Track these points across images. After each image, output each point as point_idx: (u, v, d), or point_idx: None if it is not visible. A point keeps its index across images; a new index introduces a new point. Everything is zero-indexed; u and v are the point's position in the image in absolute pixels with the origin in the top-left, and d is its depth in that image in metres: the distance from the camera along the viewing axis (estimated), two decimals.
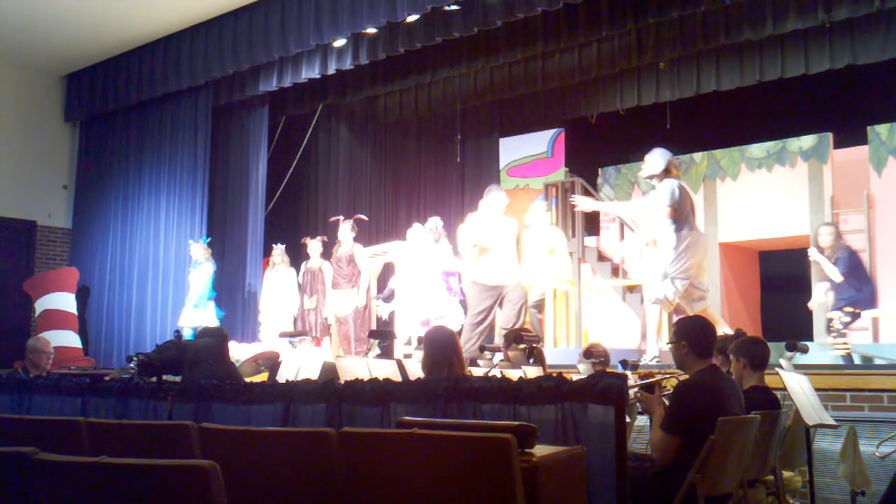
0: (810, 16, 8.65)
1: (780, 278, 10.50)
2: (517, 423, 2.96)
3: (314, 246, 10.34)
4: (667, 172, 7.65)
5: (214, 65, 10.58)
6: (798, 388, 4.76)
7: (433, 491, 2.84)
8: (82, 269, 11.95)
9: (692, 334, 4.18)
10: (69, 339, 11.10)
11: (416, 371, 5.12)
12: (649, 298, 7.67)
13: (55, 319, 11.19)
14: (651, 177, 7.78)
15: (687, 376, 4.19)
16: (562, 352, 8.95)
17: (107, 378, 5.51)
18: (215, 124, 11.57)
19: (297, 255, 10.75)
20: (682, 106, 11.02)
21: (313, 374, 5.39)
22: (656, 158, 7.70)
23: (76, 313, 11.54)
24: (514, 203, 13.27)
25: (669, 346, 4.39)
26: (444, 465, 2.82)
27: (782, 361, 5.44)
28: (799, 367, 5.67)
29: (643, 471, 3.98)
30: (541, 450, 2.92)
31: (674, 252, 7.46)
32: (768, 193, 10.80)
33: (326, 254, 10.39)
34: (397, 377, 4.88)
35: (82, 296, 11.83)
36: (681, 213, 7.49)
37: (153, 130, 11.90)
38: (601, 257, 10.72)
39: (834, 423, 4.82)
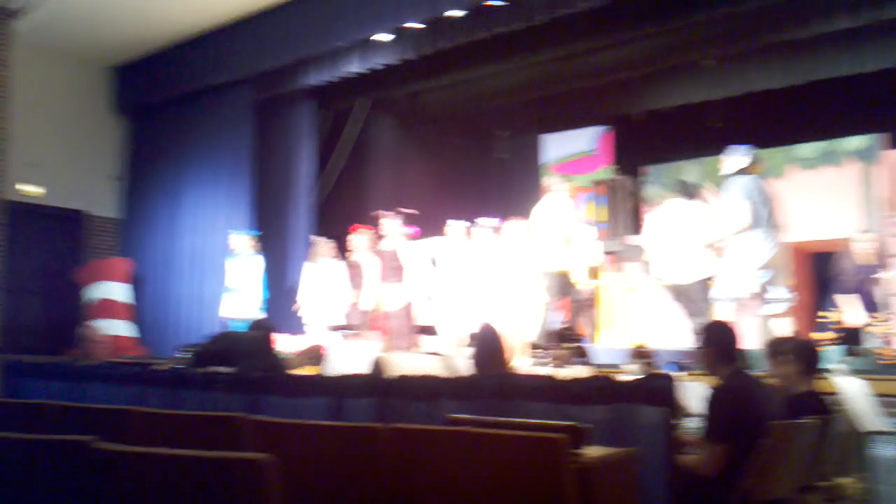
0: (862, 13, 8.46)
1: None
2: (569, 423, 2.95)
3: (358, 239, 10.35)
4: (746, 168, 7.43)
5: (259, 58, 10.65)
6: (853, 392, 4.68)
7: (482, 490, 2.84)
8: (132, 259, 12.10)
9: (716, 340, 4.20)
10: (121, 328, 11.24)
11: (463, 367, 5.12)
12: (721, 296, 7.50)
13: (107, 308, 11.33)
14: (728, 175, 7.56)
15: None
16: (606, 351, 8.88)
17: (157, 367, 5.59)
18: (262, 117, 11.64)
19: (342, 249, 10.77)
20: (730, 104, 10.86)
21: (362, 368, 5.40)
22: (735, 154, 7.50)
23: (128, 303, 11.68)
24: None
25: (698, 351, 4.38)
26: (493, 464, 2.82)
27: (837, 366, 5.35)
28: (855, 372, 5.57)
29: (694, 474, 3.94)
30: (592, 451, 2.90)
31: (748, 249, 7.27)
32: (817, 194, 10.63)
33: (371, 248, 10.39)
34: (445, 373, 4.89)
35: (134, 285, 11.98)
36: (753, 212, 7.24)
37: (200, 122, 12.00)
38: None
39: (890, 428, 4.73)
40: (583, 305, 9.08)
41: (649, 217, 8.82)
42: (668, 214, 8.48)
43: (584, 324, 9.19)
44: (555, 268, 8.67)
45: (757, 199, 7.21)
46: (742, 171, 7.40)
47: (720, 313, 7.38)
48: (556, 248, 8.68)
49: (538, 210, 9.09)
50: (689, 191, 8.61)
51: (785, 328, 7.09)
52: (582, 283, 9.17)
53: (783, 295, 7.24)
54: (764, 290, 7.23)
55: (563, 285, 8.82)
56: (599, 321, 9.72)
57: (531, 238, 9.01)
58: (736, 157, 7.49)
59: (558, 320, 8.40)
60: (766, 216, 7.20)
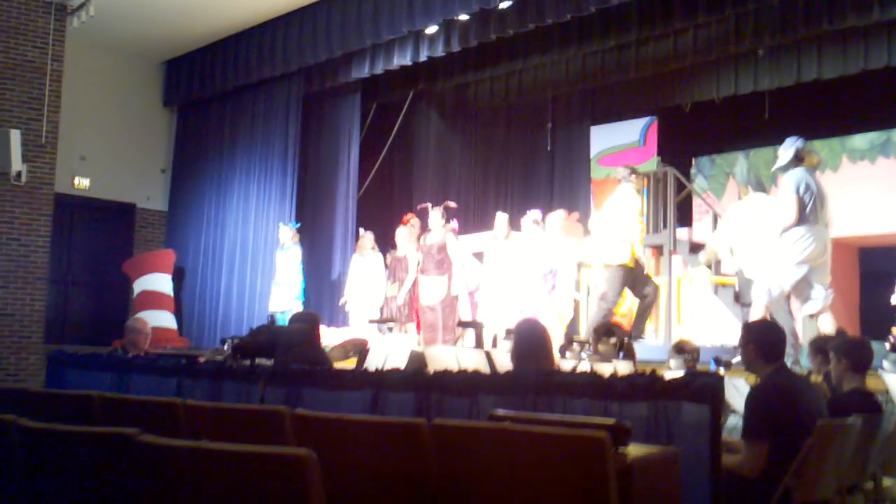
0: None
1: (881, 275, 10.13)
2: (612, 421, 2.91)
3: (402, 233, 10.37)
4: (799, 161, 7.26)
5: (308, 52, 10.70)
6: None
7: (524, 487, 2.82)
8: (177, 251, 12.27)
9: (758, 338, 4.11)
10: (165, 319, 11.41)
11: (503, 362, 5.10)
12: (754, 291, 7.38)
13: (152, 300, 11.52)
14: (784, 169, 7.37)
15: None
16: (649, 346, 8.78)
17: (200, 359, 5.65)
18: (308, 110, 11.72)
19: (386, 242, 10.81)
20: (782, 95, 10.67)
21: (401, 361, 5.41)
22: (786, 147, 7.30)
23: (172, 294, 11.86)
24: (604, 193, 13.13)
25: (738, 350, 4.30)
26: (536, 461, 2.79)
27: (885, 363, 5.23)
28: None
29: (735, 473, 3.88)
30: (635, 449, 2.86)
31: (786, 245, 7.10)
32: (871, 186, 10.41)
33: (415, 241, 10.40)
34: (486, 368, 4.87)
35: (177, 277, 12.15)
36: (799, 208, 7.05)
37: (247, 116, 12.12)
38: (693, 249, 10.49)
39: None
40: (651, 300, 8.71)
41: (731, 210, 8.69)
42: (748, 209, 8.36)
43: (648, 319, 8.93)
44: (621, 260, 8.35)
45: (804, 193, 7.03)
46: (793, 164, 7.20)
47: (755, 309, 7.25)
48: (622, 240, 8.38)
49: (607, 202, 8.94)
50: (763, 185, 8.48)
51: (825, 325, 6.94)
52: (652, 276, 9.04)
53: (820, 293, 7.08)
54: (801, 286, 7.06)
55: (630, 279, 8.49)
56: (662, 316, 9.60)
57: (598, 230, 8.85)
58: (785, 150, 7.31)
59: (608, 315, 8.26)
60: (809, 211, 7.02)
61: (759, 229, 7.84)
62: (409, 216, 10.40)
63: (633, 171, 8.79)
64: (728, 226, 8.61)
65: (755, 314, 7.22)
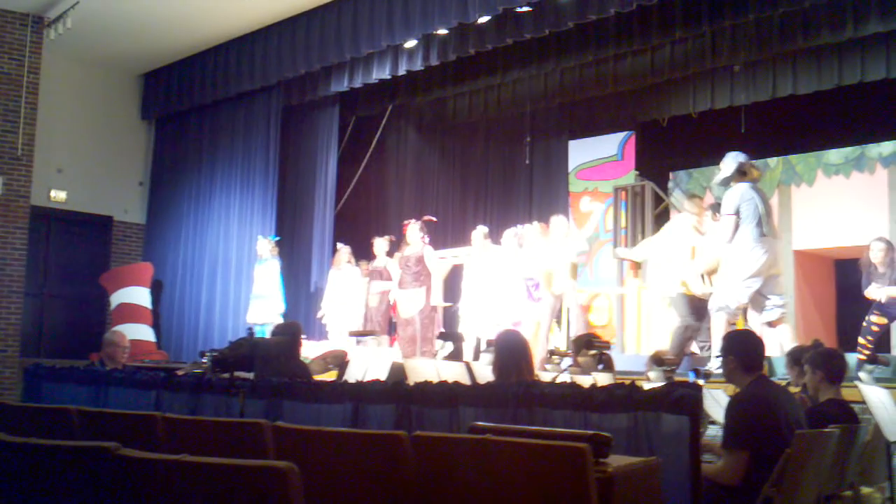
0: (894, 18, 8.37)
1: (857, 288, 10.24)
2: (592, 432, 2.91)
3: (380, 245, 10.38)
4: (742, 175, 7.35)
5: (287, 65, 10.70)
6: (878, 402, 4.62)
7: (506, 498, 2.82)
8: (155, 264, 12.20)
9: (738, 348, 4.14)
10: (143, 332, 11.33)
11: (484, 374, 5.11)
12: (713, 306, 7.45)
13: (130, 313, 11.44)
14: (724, 182, 7.50)
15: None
16: (629, 358, 8.83)
17: (179, 372, 5.62)
18: (286, 123, 11.71)
19: (364, 255, 10.80)
20: (757, 110, 10.77)
21: (381, 373, 5.40)
22: (727, 163, 7.42)
23: (150, 307, 11.78)
24: (581, 206, 13.20)
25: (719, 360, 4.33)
26: (517, 473, 2.79)
27: (862, 375, 5.27)
28: (880, 381, 5.51)
29: (715, 482, 3.90)
30: (616, 460, 2.87)
31: (738, 259, 7.18)
32: (845, 200, 10.52)
33: (392, 253, 10.41)
34: (466, 380, 4.88)
35: (155, 290, 12.07)
36: (745, 219, 7.15)
37: (225, 129, 12.09)
38: None
39: None
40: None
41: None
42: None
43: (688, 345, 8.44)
44: (676, 290, 8.15)
45: (748, 208, 7.12)
46: (737, 179, 7.29)
47: (717, 323, 7.31)
48: (676, 277, 8.16)
49: (664, 230, 8.80)
50: None
51: (784, 334, 7.02)
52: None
53: (776, 302, 7.16)
54: (756, 297, 7.14)
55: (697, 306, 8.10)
56: (623, 327, 9.64)
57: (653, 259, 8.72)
58: (725, 164, 7.40)
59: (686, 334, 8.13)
60: (754, 224, 7.10)
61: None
62: (408, 223, 10.39)
63: (694, 197, 8.55)
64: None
65: (717, 328, 7.29)
